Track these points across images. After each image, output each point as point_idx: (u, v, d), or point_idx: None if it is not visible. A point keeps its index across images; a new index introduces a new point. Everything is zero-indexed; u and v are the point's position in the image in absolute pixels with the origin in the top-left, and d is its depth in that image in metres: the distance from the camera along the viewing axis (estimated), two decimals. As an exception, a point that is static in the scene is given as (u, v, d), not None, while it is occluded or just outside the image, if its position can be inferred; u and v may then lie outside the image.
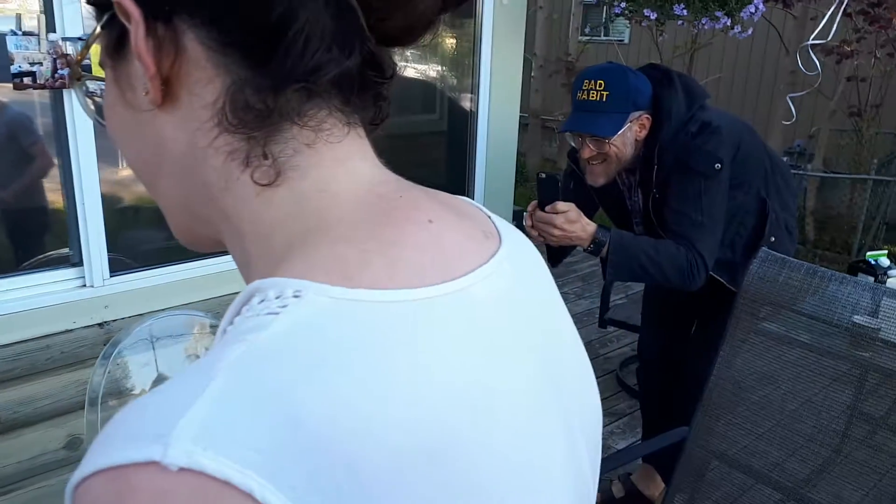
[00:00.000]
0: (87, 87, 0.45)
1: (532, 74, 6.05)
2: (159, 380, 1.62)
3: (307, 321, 0.32)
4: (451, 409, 0.33)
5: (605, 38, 7.60)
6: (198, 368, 0.31)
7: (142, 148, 0.41)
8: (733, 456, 1.32)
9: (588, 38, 6.95)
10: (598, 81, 1.51)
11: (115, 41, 0.39)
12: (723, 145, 1.53)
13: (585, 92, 1.53)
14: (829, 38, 3.09)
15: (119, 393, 1.59)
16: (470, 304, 0.37)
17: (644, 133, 1.56)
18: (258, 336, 0.32)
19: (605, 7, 7.09)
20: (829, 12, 2.90)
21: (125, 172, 1.92)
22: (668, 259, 1.49)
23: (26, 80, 1.59)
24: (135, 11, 0.36)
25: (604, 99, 1.51)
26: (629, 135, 1.54)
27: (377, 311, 0.33)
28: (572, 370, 0.44)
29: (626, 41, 7.39)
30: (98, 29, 0.39)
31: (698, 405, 1.35)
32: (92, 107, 0.45)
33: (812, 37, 2.98)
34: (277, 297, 0.33)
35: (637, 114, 1.53)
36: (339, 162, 0.39)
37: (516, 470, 0.35)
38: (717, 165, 1.50)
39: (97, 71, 0.43)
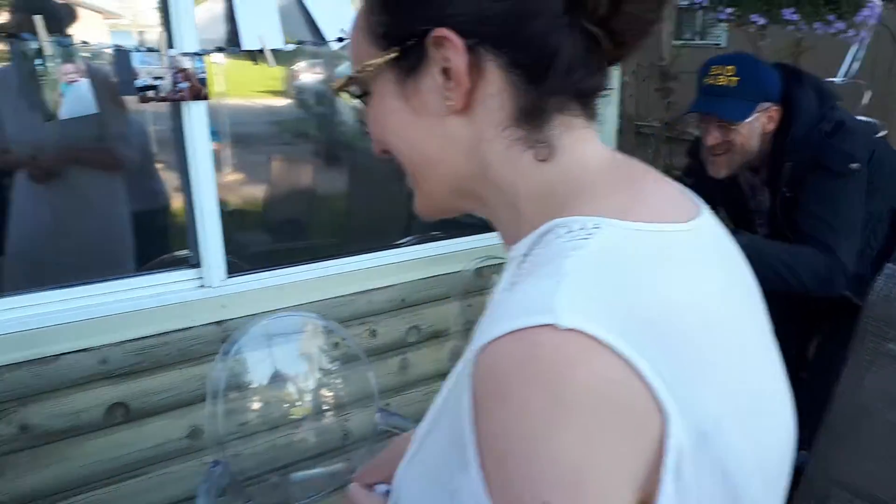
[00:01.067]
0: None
1: (624, 79, 5.94)
2: (276, 376, 1.70)
3: (613, 242, 0.47)
4: (713, 300, 0.49)
5: (700, 41, 7.37)
6: (544, 274, 0.46)
7: (425, 144, 0.56)
8: (857, 484, 1.26)
9: (683, 42, 6.75)
10: (728, 67, 1.47)
11: (411, 65, 0.54)
12: (858, 146, 1.45)
13: (714, 76, 1.48)
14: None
15: (238, 387, 1.68)
16: (704, 237, 0.52)
17: (772, 127, 1.49)
18: (582, 251, 0.46)
19: (700, 10, 6.88)
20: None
21: (238, 179, 2.02)
22: (806, 264, 1.42)
23: (150, 93, 1.70)
24: (459, 44, 0.51)
25: (733, 84, 1.45)
26: (756, 125, 1.49)
27: (659, 236, 0.48)
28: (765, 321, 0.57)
29: (723, 44, 7.14)
30: (387, 57, 0.54)
31: (819, 429, 1.30)
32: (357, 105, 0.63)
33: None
34: (581, 229, 0.48)
35: (766, 105, 1.48)
36: (586, 142, 0.55)
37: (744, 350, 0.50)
38: (854, 165, 1.43)
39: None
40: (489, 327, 0.44)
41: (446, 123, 0.54)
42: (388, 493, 0.70)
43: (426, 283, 2.29)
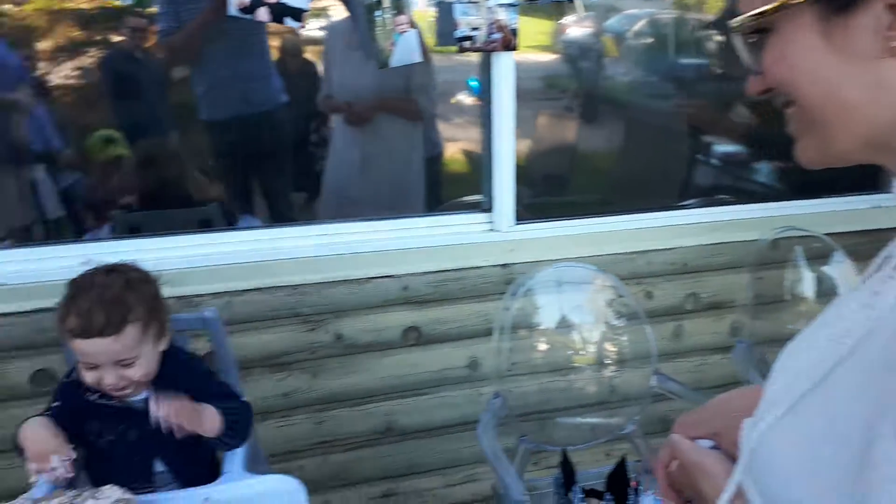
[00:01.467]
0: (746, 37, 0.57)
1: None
2: (562, 322, 1.76)
3: None
4: None
5: None
6: None
7: (844, 88, 0.52)
8: None
9: None
10: None
11: (844, 4, 0.51)
12: None
13: None
14: None
15: (526, 326, 1.77)
16: None
17: None
18: None
19: None
20: None
21: (538, 133, 2.09)
22: None
23: (466, 43, 1.79)
24: None
25: None
26: None
27: None
28: None
29: None
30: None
31: None
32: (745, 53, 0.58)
33: None
34: None
35: None
36: None
37: None
38: None
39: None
40: None
41: (880, 67, 0.50)
42: (714, 448, 0.69)
43: (709, 249, 2.18)
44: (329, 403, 2.01)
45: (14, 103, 2.32)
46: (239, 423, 1.35)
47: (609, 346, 1.80)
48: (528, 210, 2.14)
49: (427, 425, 2.11)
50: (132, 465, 1.33)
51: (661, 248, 2.13)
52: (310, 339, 1.93)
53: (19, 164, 2.41)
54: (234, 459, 1.37)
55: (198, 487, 1.29)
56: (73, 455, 1.22)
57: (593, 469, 1.88)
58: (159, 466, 1.36)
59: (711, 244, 2.18)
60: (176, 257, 1.79)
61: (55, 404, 1.33)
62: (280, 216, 2.69)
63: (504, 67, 1.82)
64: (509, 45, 1.77)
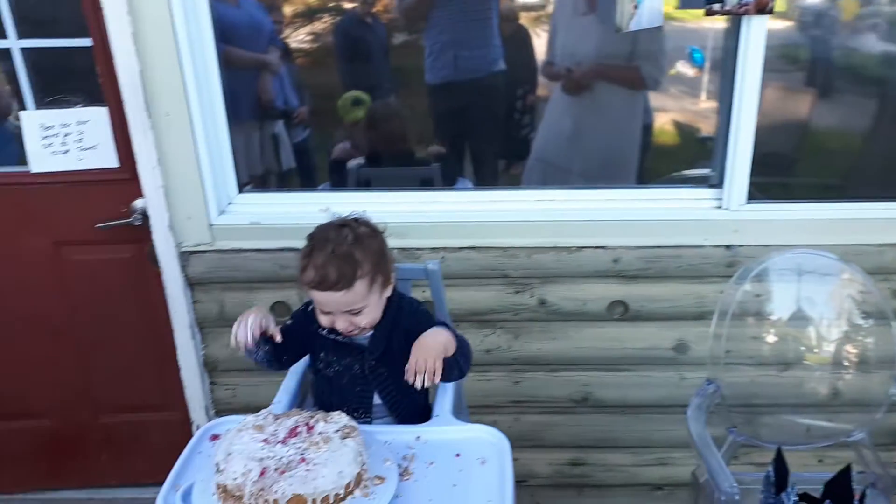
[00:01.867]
0: None
1: None
2: (797, 314, 1.61)
3: None
4: None
5: None
6: None
7: None
8: None
9: None
10: None
11: None
12: None
13: None
14: None
15: (755, 313, 1.65)
16: None
17: None
18: None
19: None
20: None
21: (767, 107, 1.90)
22: None
23: (716, 6, 1.67)
24: None
25: None
26: None
27: None
28: None
29: None
30: None
31: None
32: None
33: None
34: None
35: None
36: None
37: None
38: None
39: None
40: None
41: None
42: None
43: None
44: (527, 365, 2.03)
45: (266, 63, 2.56)
46: (465, 348, 1.43)
47: (849, 347, 1.63)
48: (758, 189, 1.97)
49: (623, 401, 2.07)
50: (353, 395, 1.45)
51: (917, 242, 1.87)
52: (514, 301, 1.96)
53: (263, 119, 2.67)
54: (444, 404, 1.43)
55: (411, 426, 1.37)
56: (278, 337, 1.38)
57: (805, 472, 1.74)
58: (377, 399, 1.47)
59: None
60: (401, 212, 1.89)
61: (288, 322, 1.48)
62: (490, 180, 2.74)
63: (754, 33, 1.67)
64: (764, 7, 1.62)
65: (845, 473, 1.55)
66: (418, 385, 1.27)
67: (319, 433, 1.13)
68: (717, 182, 1.89)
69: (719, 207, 1.89)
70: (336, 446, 1.09)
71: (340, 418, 1.19)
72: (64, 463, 2.29)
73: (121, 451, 2.28)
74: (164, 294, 1.93)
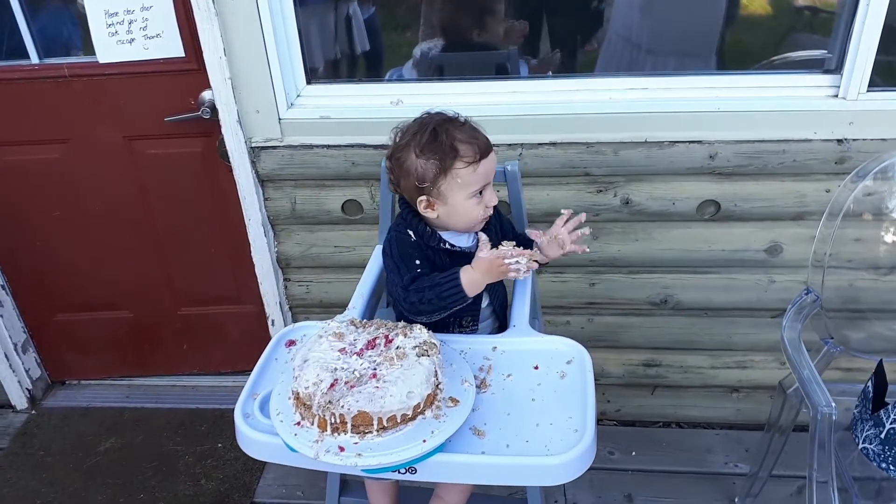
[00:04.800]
0: None
1: None
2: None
3: None
4: None
5: None
6: None
7: None
8: None
9: None
10: None
11: None
12: None
13: None
14: None
15: (876, 212, 1.48)
16: None
17: None
18: None
19: None
20: None
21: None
22: None
23: None
24: None
25: None
26: None
27: None
28: None
29: None
30: None
31: None
32: None
33: None
34: None
35: None
36: None
37: None
38: None
39: None
40: None
41: None
42: None
43: None
44: (605, 267, 1.95)
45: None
46: None
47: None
48: (880, 74, 1.73)
49: (706, 304, 1.97)
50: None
51: None
52: (596, 201, 1.84)
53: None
54: (521, 313, 1.37)
55: (489, 335, 1.33)
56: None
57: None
58: (485, 301, 1.44)
59: None
60: (476, 104, 1.76)
61: (415, 260, 1.33)
62: (570, 67, 2.52)
63: None
64: None
65: (955, 391, 1.44)
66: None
67: (397, 347, 1.09)
68: (834, 67, 1.67)
69: (835, 96, 1.68)
70: (410, 364, 1.05)
71: (421, 333, 1.14)
72: (147, 352, 2.40)
73: (200, 341, 2.37)
74: (237, 190, 1.90)
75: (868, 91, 1.65)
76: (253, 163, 1.87)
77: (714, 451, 2.09)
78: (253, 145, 1.85)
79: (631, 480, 2.01)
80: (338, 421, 1.01)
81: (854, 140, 1.67)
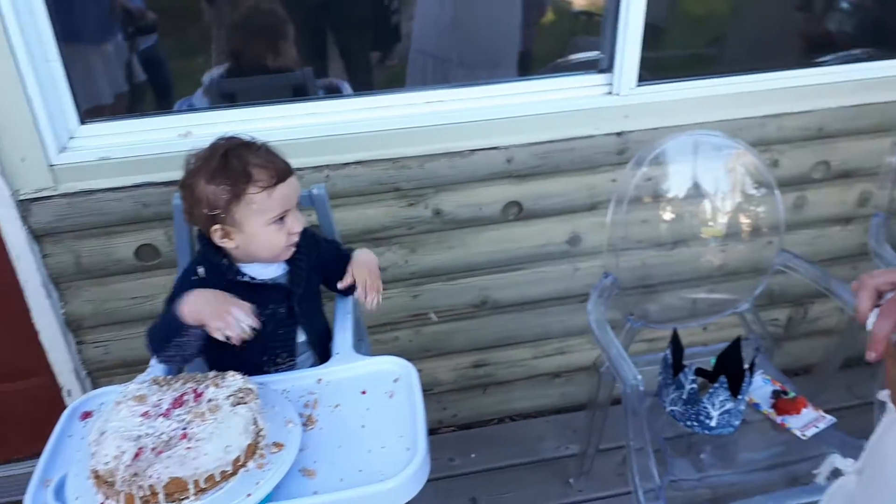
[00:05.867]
0: None
1: None
2: (691, 192, 1.61)
3: None
4: None
5: None
6: None
7: None
8: None
9: None
10: None
11: None
12: None
13: None
14: None
15: (651, 196, 1.63)
16: None
17: None
18: None
19: None
20: None
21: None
22: None
23: None
24: None
25: None
26: None
27: None
28: None
29: None
30: None
31: None
32: None
33: None
34: None
35: None
36: None
37: None
38: None
39: None
40: None
41: None
42: None
43: (852, 112, 1.94)
44: (425, 277, 1.97)
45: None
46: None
47: (740, 219, 1.66)
48: (647, 69, 1.91)
49: (521, 299, 2.06)
50: (278, 340, 1.34)
51: (795, 111, 1.90)
52: (409, 215, 1.85)
53: (108, 30, 2.31)
54: (344, 340, 1.34)
55: (311, 369, 1.28)
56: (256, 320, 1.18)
57: (697, 347, 1.81)
58: (301, 336, 1.37)
59: (854, 105, 1.93)
60: (274, 129, 1.70)
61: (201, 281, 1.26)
62: (369, 83, 2.53)
63: None
64: None
65: (735, 345, 1.62)
66: (371, 305, 1.32)
67: (208, 400, 1.01)
68: (606, 66, 1.81)
69: (610, 93, 1.82)
70: (224, 415, 0.97)
71: (234, 381, 1.06)
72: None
73: (-11, 426, 2.05)
74: (7, 251, 1.67)
75: (638, 86, 1.81)
76: (24, 217, 1.65)
77: (546, 438, 2.19)
78: (21, 197, 1.64)
79: (473, 482, 2.05)
80: (148, 493, 0.91)
81: (630, 132, 1.83)
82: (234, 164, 1.19)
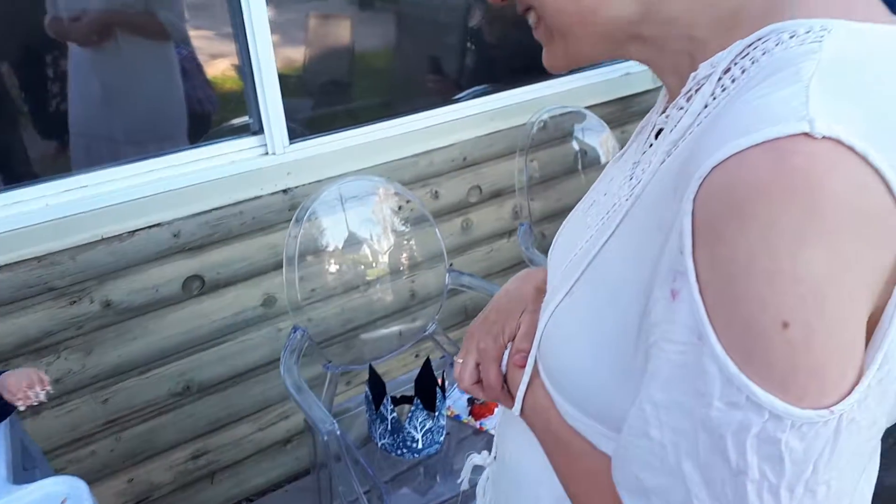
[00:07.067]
0: None
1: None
2: (351, 238, 1.68)
3: (849, 44, 0.42)
4: None
5: None
6: (779, 81, 0.41)
7: None
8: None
9: None
10: None
11: None
12: None
13: None
14: None
15: (315, 251, 1.67)
16: None
17: None
18: (819, 55, 0.41)
19: None
20: None
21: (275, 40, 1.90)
22: None
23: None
24: None
25: None
26: None
27: (891, 38, 0.44)
28: None
29: None
30: None
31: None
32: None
33: None
34: (807, 32, 0.43)
35: None
36: None
37: None
38: None
39: None
40: (715, 145, 0.40)
41: None
42: None
43: (486, 140, 2.21)
44: (112, 378, 1.78)
45: None
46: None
47: (402, 254, 1.78)
48: (306, 125, 1.98)
49: (231, 373, 1.97)
50: None
51: (441, 145, 2.12)
52: (73, 314, 1.67)
53: None
54: None
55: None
56: None
57: (404, 375, 1.90)
58: None
59: (487, 134, 2.20)
60: None
61: None
62: (20, 174, 2.25)
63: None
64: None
65: (426, 366, 1.72)
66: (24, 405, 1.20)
67: None
68: (257, 128, 1.84)
69: (266, 154, 1.85)
70: None
71: None
72: None
73: None
74: None
75: (291, 143, 1.86)
76: None
77: (288, 509, 2.11)
78: None
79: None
80: None
81: (296, 187, 1.87)
82: None
